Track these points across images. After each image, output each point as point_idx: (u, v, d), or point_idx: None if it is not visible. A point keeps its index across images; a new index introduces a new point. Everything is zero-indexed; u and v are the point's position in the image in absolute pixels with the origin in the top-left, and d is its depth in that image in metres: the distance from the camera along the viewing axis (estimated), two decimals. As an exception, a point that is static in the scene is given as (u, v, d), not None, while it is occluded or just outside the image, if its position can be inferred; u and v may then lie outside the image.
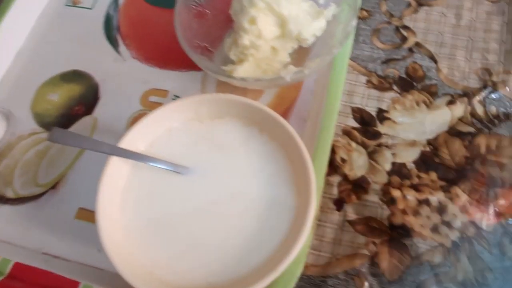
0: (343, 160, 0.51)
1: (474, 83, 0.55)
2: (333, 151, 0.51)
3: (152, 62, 0.59)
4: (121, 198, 0.45)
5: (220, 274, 0.42)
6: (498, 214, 0.47)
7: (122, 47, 0.61)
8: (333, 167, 0.51)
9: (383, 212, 0.48)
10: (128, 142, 0.46)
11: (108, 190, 0.44)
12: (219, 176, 0.46)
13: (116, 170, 0.45)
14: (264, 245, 0.43)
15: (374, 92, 0.55)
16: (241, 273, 0.42)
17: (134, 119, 0.55)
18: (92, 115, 0.56)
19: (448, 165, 0.50)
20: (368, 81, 0.56)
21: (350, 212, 0.48)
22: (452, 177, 0.49)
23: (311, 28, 0.53)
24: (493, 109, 0.53)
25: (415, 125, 0.53)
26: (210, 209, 0.44)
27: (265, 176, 0.46)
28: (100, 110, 0.57)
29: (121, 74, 0.59)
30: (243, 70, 0.51)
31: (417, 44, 0.58)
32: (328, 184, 0.50)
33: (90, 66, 0.60)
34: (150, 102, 0.56)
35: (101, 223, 0.41)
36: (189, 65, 0.58)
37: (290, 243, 0.41)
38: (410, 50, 0.58)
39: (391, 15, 0.61)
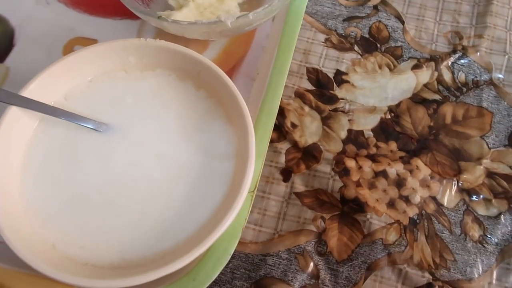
0: (294, 125, 0.45)
1: (442, 47, 0.50)
2: (283, 115, 0.45)
3: (81, 6, 0.51)
4: (22, 160, 0.37)
5: (138, 249, 0.35)
6: (461, 190, 0.42)
7: (46, -12, 0.52)
8: (282, 132, 0.44)
9: (335, 184, 0.42)
10: (34, 90, 0.38)
11: (4, 149, 0.36)
12: (144, 136, 0.39)
13: (17, 124, 0.37)
14: (193, 217, 0.36)
15: (333, 52, 0.49)
16: (163, 248, 0.35)
17: (55, 71, 0.47)
18: (4, 63, 0.48)
19: (409, 135, 0.45)
20: (327, 40, 0.50)
21: (298, 184, 0.42)
22: (413, 148, 0.44)
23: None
24: (461, 76, 0.48)
25: (376, 90, 0.47)
26: (131, 173, 0.37)
27: (198, 138, 0.39)
28: (14, 59, 0.48)
29: (43, 19, 0.50)
30: (181, 17, 0.44)
31: (383, 2, 0.52)
32: (275, 151, 0.43)
33: (6, 7, 0.51)
34: (75, 52, 0.48)
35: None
36: (124, 12, 0.50)
37: (222, 215, 0.35)
38: (375, 8, 0.52)
39: (357, -30, 0.55)
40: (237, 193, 0.35)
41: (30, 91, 0.37)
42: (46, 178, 0.37)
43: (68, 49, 0.49)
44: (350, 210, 0.41)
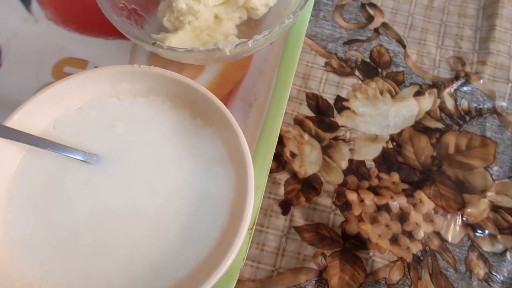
0: (293, 155, 0.43)
1: (445, 73, 0.48)
2: (282, 143, 0.43)
3: (71, 25, 0.49)
4: (6, 195, 0.35)
5: (129, 292, 0.33)
6: (466, 225, 0.41)
7: (35, 5, 0.50)
8: (281, 162, 0.43)
9: (336, 218, 0.40)
10: (20, 120, 0.35)
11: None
12: (136, 168, 0.37)
13: (2, 156, 0.35)
14: (188, 256, 0.34)
15: (333, 77, 0.48)
16: (157, 291, 0.33)
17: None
18: (-12, 85, 0.45)
19: (412, 165, 0.43)
20: (327, 64, 0.48)
21: (298, 217, 0.40)
22: (416, 179, 0.42)
23: (263, -5, 0.44)
24: (464, 104, 0.47)
25: (378, 117, 0.46)
26: (122, 209, 0.35)
27: (194, 170, 0.37)
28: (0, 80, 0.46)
29: (31, 37, 0.48)
30: (177, 40, 0.42)
31: (384, 25, 0.51)
32: (273, 182, 0.42)
33: (-8, 25, 0.48)
34: (65, 74, 0.46)
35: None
36: (116, 32, 0.47)
37: (220, 255, 0.33)
38: (376, 31, 0.50)
39: (357, -9, 0.53)
40: (236, 233, 0.33)
41: (15, 121, 0.35)
42: (31, 214, 0.35)
43: (57, 69, 0.47)
44: (352, 247, 0.39)
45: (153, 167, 0.37)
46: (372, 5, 0.52)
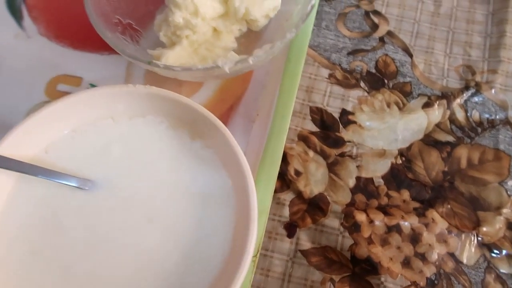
0: (298, 173, 0.41)
1: (454, 82, 0.46)
2: (285, 161, 0.41)
3: (65, 40, 0.47)
4: (-4, 223, 0.33)
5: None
6: (481, 245, 0.39)
7: (27, 20, 0.48)
8: (285, 181, 0.41)
9: (345, 241, 0.38)
10: (10, 145, 0.34)
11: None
12: (133, 194, 0.35)
13: (-9, 184, 0.33)
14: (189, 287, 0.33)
15: (338, 89, 0.46)
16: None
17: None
18: (-21, 105, 0.43)
19: (423, 182, 0.41)
20: (331, 76, 0.46)
21: (304, 240, 0.38)
22: (428, 197, 0.40)
23: (262, 6, 0.42)
24: (475, 115, 0.45)
25: (385, 131, 0.44)
26: (118, 239, 0.33)
27: (194, 195, 0.35)
28: (-10, 99, 0.44)
29: (23, 54, 0.46)
30: (174, 56, 0.40)
31: (390, 34, 0.49)
32: (277, 203, 0.40)
33: (-19, 41, 0.47)
34: (58, 92, 0.44)
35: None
36: (111, 47, 0.46)
37: (224, 286, 0.31)
38: (381, 40, 0.48)
39: (360, -2, 0.51)
40: (239, 262, 0.31)
41: (5, 147, 0.33)
42: (23, 246, 0.33)
43: (51, 87, 0.45)
44: (362, 271, 0.37)
45: (150, 194, 0.35)
46: (376, 13, 0.50)
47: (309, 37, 0.45)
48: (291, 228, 0.39)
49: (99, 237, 0.33)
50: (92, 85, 0.44)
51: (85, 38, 0.47)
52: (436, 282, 0.37)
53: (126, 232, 0.34)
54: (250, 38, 0.45)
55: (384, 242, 0.38)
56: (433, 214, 0.39)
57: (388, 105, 0.45)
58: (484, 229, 0.39)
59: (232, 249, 0.33)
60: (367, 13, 0.50)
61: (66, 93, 0.44)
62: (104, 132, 0.37)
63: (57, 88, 0.45)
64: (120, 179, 0.35)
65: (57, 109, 0.35)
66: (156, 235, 0.34)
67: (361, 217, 0.39)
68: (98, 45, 0.46)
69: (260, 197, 0.35)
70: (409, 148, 0.43)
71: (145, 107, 0.37)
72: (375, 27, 0.49)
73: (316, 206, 0.40)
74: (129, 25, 0.43)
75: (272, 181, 0.38)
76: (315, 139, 0.43)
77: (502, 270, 0.38)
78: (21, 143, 0.35)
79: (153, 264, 0.33)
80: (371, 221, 0.39)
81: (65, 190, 0.34)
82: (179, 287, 0.33)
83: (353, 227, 0.38)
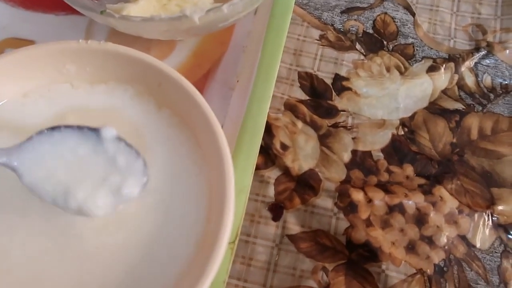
0: (284, 147, 0.35)
1: (462, 44, 0.41)
2: (270, 134, 0.36)
3: (15, -1, 0.41)
4: None
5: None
6: (497, 226, 0.34)
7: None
8: (270, 156, 0.35)
9: (339, 223, 0.33)
10: None
11: None
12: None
13: None
14: (154, 280, 0.27)
15: (330, 52, 0.40)
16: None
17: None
18: None
19: (428, 155, 0.36)
20: (322, 37, 0.40)
21: (292, 223, 0.33)
22: (434, 172, 0.35)
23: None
24: (487, 79, 0.39)
25: (385, 98, 0.38)
26: (63, 240, 0.28)
27: (159, 173, 0.29)
28: None
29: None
30: (137, 10, 0.34)
31: (389, -10, 0.43)
32: (261, 181, 0.34)
33: None
34: (6, 58, 0.38)
35: None
36: (68, 6, 0.39)
37: (193, 279, 0.25)
38: (379, -3, 0.43)
39: (355, -49, 0.45)
40: (212, 251, 0.25)
41: None
42: None
43: (-3, 53, 0.39)
44: (359, 258, 0.32)
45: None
46: (373, -33, 0.44)
47: (296, -8, 0.39)
48: (276, 210, 0.33)
49: (44, 237, 0.27)
50: (46, 49, 0.38)
51: (38, -2, 0.41)
52: (445, 269, 0.32)
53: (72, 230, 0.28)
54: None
55: (385, 224, 0.33)
56: (441, 191, 0.34)
57: (388, 70, 0.39)
58: (500, 207, 0.34)
59: (204, 233, 0.28)
60: (362, -32, 0.44)
61: (15, 59, 0.38)
62: (59, 99, 0.31)
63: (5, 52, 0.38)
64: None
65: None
66: (110, 227, 0.28)
67: (358, 195, 0.33)
68: (53, 4, 0.41)
69: (238, 174, 0.30)
70: (412, 117, 0.37)
71: (103, 69, 0.31)
72: (372, -18, 0.43)
73: (305, 184, 0.34)
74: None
75: (253, 155, 0.32)
76: (304, 108, 0.37)
77: (521, 255, 0.33)
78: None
79: (111, 259, 0.27)
80: (369, 200, 0.33)
81: None
82: (141, 281, 0.27)
83: (349, 208, 0.33)
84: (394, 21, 0.41)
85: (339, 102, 0.38)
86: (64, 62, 0.31)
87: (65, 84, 0.32)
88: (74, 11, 0.40)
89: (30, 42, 0.39)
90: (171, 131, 0.30)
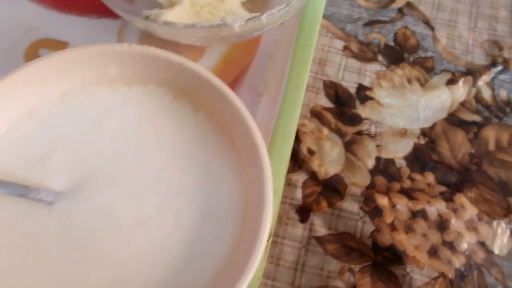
0: (311, 152, 0.37)
1: (480, 59, 0.43)
2: (297, 139, 0.37)
3: (48, 1, 0.42)
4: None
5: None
6: (514, 233, 0.35)
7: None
8: (297, 160, 0.36)
9: (365, 226, 0.34)
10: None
11: None
12: (121, 189, 0.29)
13: None
14: (192, 277, 0.28)
15: (354, 63, 0.41)
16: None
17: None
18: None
19: (448, 164, 0.37)
20: (346, 48, 0.42)
21: (319, 225, 0.34)
22: (454, 180, 0.37)
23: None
24: (503, 94, 0.41)
25: (406, 108, 0.40)
26: (101, 246, 0.28)
27: (197, 174, 0.30)
28: (-39, 65, 0.39)
29: None
30: (173, 17, 0.35)
31: (409, 5, 0.45)
32: (289, 184, 0.35)
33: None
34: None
35: None
36: (101, 9, 0.40)
37: (232, 277, 0.26)
38: (400, 11, 0.44)
39: (376, -33, 0.47)
40: (251, 249, 0.26)
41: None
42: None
43: (31, 52, 0.40)
44: (384, 261, 0.33)
45: (144, 183, 0.30)
46: (394, -17, 0.46)
47: (324, 2, 0.40)
48: (304, 212, 0.35)
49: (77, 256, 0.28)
50: (80, 51, 0.39)
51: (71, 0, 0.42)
52: (466, 273, 0.33)
53: (110, 239, 0.28)
54: (257, 4, 0.40)
55: (409, 229, 0.34)
56: (461, 199, 0.35)
57: (409, 81, 0.41)
58: (517, 216, 0.35)
59: (240, 232, 0.29)
60: (383, -17, 0.46)
61: (49, 59, 0.39)
62: (97, 100, 0.32)
63: (39, 54, 0.39)
64: (105, 168, 0.30)
65: (39, 69, 0.30)
66: (148, 233, 0.29)
67: (382, 201, 0.35)
68: (86, 7, 0.42)
69: (272, 176, 0.31)
70: (432, 127, 0.39)
71: (143, 72, 0.32)
72: (392, -3, 0.45)
73: (332, 188, 0.35)
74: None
75: (285, 159, 0.33)
76: (329, 116, 0.38)
77: (537, 262, 0.34)
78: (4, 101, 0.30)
79: (146, 266, 0.28)
80: (393, 206, 0.35)
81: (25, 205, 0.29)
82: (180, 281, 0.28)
83: (374, 212, 0.34)
84: (414, 35, 0.43)
85: (362, 110, 0.39)
86: (106, 64, 0.32)
87: (104, 86, 0.33)
88: (106, 14, 0.42)
89: (63, 43, 0.40)
90: (208, 134, 0.31)
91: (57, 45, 0.40)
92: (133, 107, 0.32)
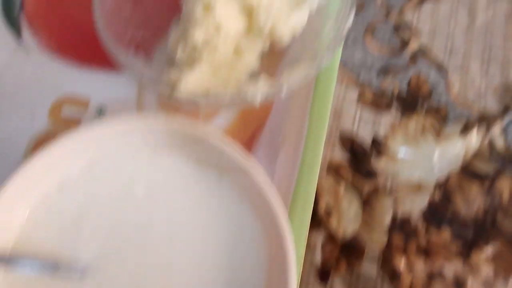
0: (329, 210, 0.38)
1: (492, 105, 0.43)
2: (315, 197, 0.38)
3: (69, 56, 0.42)
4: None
5: None
6: (530, 290, 0.36)
7: (26, 33, 0.43)
8: (315, 220, 0.37)
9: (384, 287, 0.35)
10: (21, 182, 0.30)
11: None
12: (149, 260, 0.31)
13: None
14: None
15: (368, 113, 0.42)
16: None
17: (41, 141, 0.39)
18: (-27, 132, 0.39)
19: (464, 219, 0.38)
20: (360, 97, 0.43)
21: (339, 286, 0.35)
22: (470, 236, 0.37)
23: (289, 21, 0.38)
24: (516, 142, 0.42)
25: (421, 160, 0.40)
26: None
27: (222, 239, 0.31)
28: (-14, 125, 0.40)
29: (21, 72, 0.42)
30: (194, 80, 0.36)
31: (422, 51, 0.45)
32: (308, 245, 0.36)
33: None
34: (63, 118, 0.40)
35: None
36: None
37: None
38: (413, 57, 0.45)
39: (388, 10, 0.47)
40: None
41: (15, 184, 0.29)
42: None
43: (55, 111, 0.40)
44: (403, 323, 0.34)
45: (171, 256, 0.31)
46: (406, 27, 0.46)
47: (340, 55, 0.41)
48: (323, 274, 0.36)
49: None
50: (101, 110, 0.40)
51: (92, 54, 0.42)
52: (482, 333, 0.34)
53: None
54: (272, 58, 0.41)
55: (426, 289, 0.35)
56: (477, 256, 0.36)
57: (423, 131, 0.41)
58: (532, 273, 0.36)
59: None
60: (396, 27, 0.46)
61: (72, 119, 0.40)
62: (123, 167, 0.33)
63: (62, 112, 0.40)
64: (129, 245, 0.31)
65: (67, 146, 0.31)
66: None
67: (400, 262, 0.36)
68: (106, 63, 0.42)
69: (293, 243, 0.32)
70: (447, 180, 0.40)
71: (168, 140, 0.33)
72: (405, 42, 0.45)
73: (351, 248, 0.36)
74: (143, 41, 0.39)
75: (305, 223, 0.34)
76: (346, 171, 0.39)
77: (551, 319, 0.35)
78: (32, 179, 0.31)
79: None
80: (411, 267, 0.35)
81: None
82: None
83: (393, 273, 0.35)
84: (428, 82, 0.44)
85: (378, 164, 0.40)
86: (131, 136, 0.33)
87: (128, 153, 0.34)
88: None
89: (85, 100, 0.41)
90: (232, 200, 0.32)
91: (80, 102, 0.41)
92: (161, 174, 0.33)
